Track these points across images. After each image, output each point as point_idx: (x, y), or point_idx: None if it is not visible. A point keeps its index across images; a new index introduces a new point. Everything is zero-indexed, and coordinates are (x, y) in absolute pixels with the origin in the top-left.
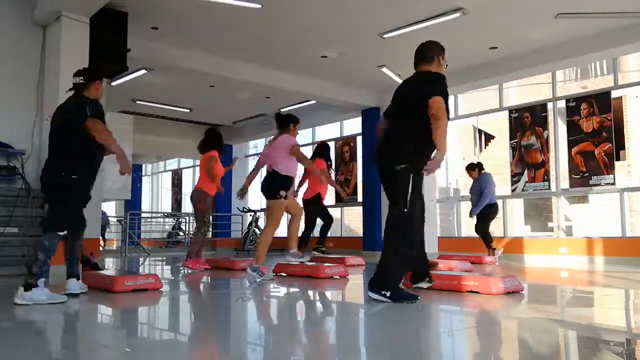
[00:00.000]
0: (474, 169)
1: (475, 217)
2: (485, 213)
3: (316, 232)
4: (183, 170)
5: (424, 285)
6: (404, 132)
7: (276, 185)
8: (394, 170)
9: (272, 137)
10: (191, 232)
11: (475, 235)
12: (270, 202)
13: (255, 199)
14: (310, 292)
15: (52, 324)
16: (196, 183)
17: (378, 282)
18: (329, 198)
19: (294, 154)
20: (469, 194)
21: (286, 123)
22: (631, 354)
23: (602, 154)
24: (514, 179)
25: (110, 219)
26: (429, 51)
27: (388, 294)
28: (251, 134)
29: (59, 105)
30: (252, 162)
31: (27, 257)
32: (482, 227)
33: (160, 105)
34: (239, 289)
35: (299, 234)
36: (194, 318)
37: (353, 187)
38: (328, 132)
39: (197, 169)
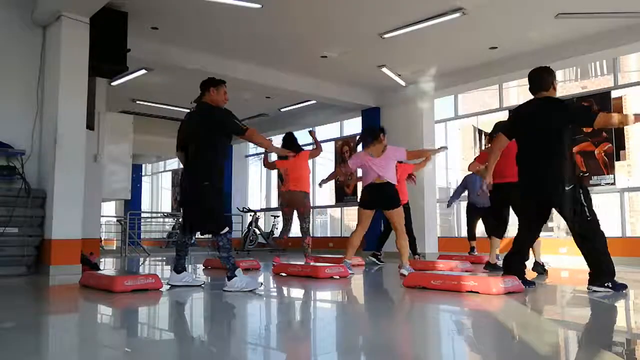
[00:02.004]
0: None
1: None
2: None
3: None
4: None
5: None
6: (561, 154)
7: (397, 194)
8: (565, 192)
9: (363, 147)
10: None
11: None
12: (394, 211)
13: (256, 199)
14: (310, 292)
15: (52, 324)
16: (297, 184)
17: (599, 277)
18: (329, 198)
19: (411, 157)
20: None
21: (377, 135)
22: (631, 354)
23: (602, 154)
24: None
25: (110, 219)
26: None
27: (610, 284)
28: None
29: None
30: (252, 162)
31: (27, 257)
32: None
33: (160, 105)
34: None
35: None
36: (194, 318)
37: (353, 187)
38: (328, 132)
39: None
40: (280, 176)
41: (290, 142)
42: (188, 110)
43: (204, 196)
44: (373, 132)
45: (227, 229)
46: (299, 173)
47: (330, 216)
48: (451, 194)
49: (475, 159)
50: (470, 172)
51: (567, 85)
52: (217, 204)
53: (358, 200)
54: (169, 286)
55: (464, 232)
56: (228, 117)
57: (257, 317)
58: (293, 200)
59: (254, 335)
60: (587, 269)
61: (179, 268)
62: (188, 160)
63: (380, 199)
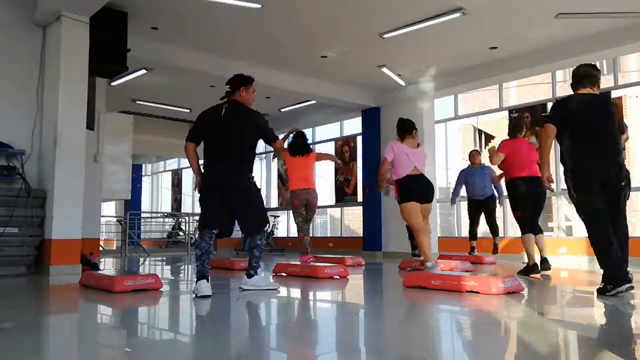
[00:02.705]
0: (480, 154)
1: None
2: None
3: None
4: (183, 170)
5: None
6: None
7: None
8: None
9: (403, 140)
10: (191, 232)
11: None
12: (430, 205)
13: None
14: (310, 292)
15: (52, 324)
16: (308, 183)
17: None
18: (329, 198)
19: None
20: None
21: (412, 129)
22: (631, 354)
23: None
24: None
25: (110, 219)
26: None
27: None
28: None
29: (227, 108)
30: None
31: (27, 257)
32: (494, 214)
33: (160, 105)
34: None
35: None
36: (194, 318)
37: (353, 187)
38: (328, 132)
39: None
40: (280, 176)
41: (302, 141)
42: (188, 110)
43: (255, 195)
44: (411, 125)
45: (267, 225)
46: (306, 172)
47: (330, 216)
48: (453, 192)
49: (498, 148)
50: (467, 166)
51: (567, 85)
52: (263, 202)
53: (358, 200)
54: (242, 289)
55: (464, 232)
56: (266, 124)
57: (257, 316)
58: (312, 198)
59: (254, 335)
60: (586, 268)
61: (251, 272)
62: (221, 158)
63: (429, 191)
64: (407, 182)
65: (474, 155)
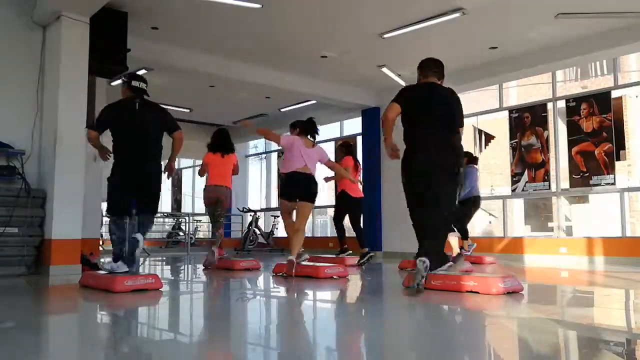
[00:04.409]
0: (466, 156)
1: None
2: (469, 203)
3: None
4: (183, 170)
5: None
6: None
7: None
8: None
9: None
10: (191, 232)
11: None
12: (305, 204)
13: (256, 199)
14: (310, 292)
15: (52, 324)
16: (223, 181)
17: None
18: (329, 198)
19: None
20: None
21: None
22: (631, 354)
23: (602, 154)
24: (514, 179)
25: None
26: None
27: None
28: (251, 134)
29: (136, 104)
30: (252, 162)
31: (27, 257)
32: (464, 215)
33: (160, 105)
34: (239, 289)
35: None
36: (194, 318)
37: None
38: (328, 132)
39: (198, 168)
40: (280, 177)
41: (224, 140)
42: (188, 110)
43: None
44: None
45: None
46: (224, 170)
47: (330, 216)
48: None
49: None
50: (470, 165)
51: (567, 85)
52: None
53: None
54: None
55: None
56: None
57: (257, 316)
58: (222, 195)
59: (253, 335)
60: (586, 269)
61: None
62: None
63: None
64: (288, 178)
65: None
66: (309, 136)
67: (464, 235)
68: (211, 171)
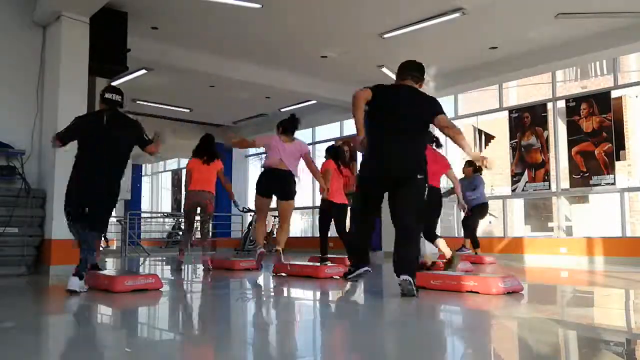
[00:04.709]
0: (472, 166)
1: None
2: (477, 211)
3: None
4: (183, 171)
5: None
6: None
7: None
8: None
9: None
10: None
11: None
12: (284, 202)
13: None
14: (310, 292)
15: (52, 324)
16: (206, 186)
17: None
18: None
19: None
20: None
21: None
22: (631, 354)
23: (602, 154)
24: (514, 179)
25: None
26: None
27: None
28: (251, 134)
29: (104, 117)
30: (251, 162)
31: (27, 257)
32: (473, 223)
33: (160, 105)
34: (239, 289)
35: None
36: (194, 318)
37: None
38: (328, 132)
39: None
40: None
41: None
42: (188, 110)
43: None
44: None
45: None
46: (207, 175)
47: None
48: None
49: None
50: (477, 174)
51: (567, 85)
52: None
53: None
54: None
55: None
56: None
57: (258, 317)
58: (203, 200)
59: (254, 335)
60: (586, 269)
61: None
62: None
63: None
64: (263, 174)
65: (465, 166)
66: (289, 132)
67: (476, 243)
68: (194, 176)
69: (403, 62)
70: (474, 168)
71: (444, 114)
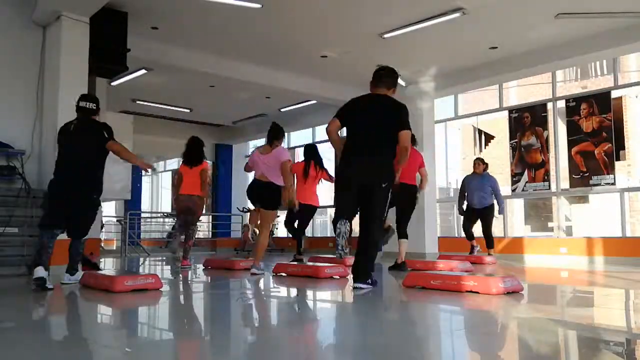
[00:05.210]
0: (484, 163)
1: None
2: (488, 211)
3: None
4: None
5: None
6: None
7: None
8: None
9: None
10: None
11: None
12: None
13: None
14: (310, 292)
15: (52, 324)
16: (193, 190)
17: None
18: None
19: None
20: (460, 189)
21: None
22: (631, 354)
23: (602, 154)
24: (514, 179)
25: (110, 219)
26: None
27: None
28: (251, 134)
29: (72, 125)
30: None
31: (27, 257)
32: (491, 225)
33: (160, 105)
34: (239, 289)
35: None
36: (194, 318)
37: None
38: None
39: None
40: None
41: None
42: (188, 110)
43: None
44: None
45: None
46: (194, 179)
47: (330, 216)
48: (458, 201)
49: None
50: (471, 173)
51: (567, 85)
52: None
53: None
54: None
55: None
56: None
57: (258, 316)
58: (191, 204)
59: (254, 334)
60: (586, 269)
61: (72, 271)
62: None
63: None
64: (248, 186)
65: (476, 163)
66: (268, 142)
67: (490, 243)
68: (184, 181)
69: (376, 68)
70: (485, 166)
71: (409, 129)
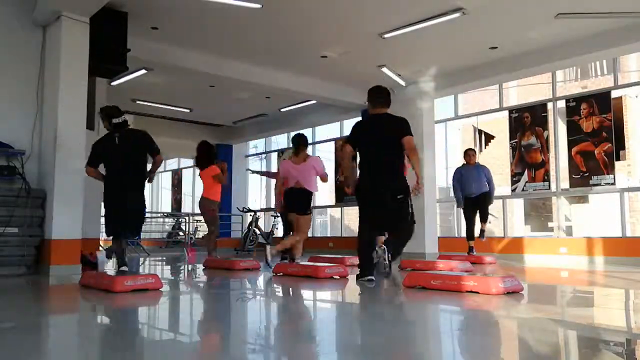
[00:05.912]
0: (475, 154)
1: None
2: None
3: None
4: (183, 170)
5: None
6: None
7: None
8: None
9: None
10: (191, 232)
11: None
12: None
13: (256, 199)
14: (310, 292)
15: (52, 324)
16: (204, 193)
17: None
18: (329, 198)
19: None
20: (456, 182)
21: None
22: (631, 354)
23: (602, 154)
24: (514, 179)
25: None
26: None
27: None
28: (251, 134)
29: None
30: (252, 162)
31: (27, 257)
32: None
33: (160, 105)
34: (239, 289)
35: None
36: (194, 318)
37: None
38: (328, 132)
39: (197, 169)
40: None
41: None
42: (188, 110)
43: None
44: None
45: None
46: (205, 181)
47: (330, 216)
48: (454, 194)
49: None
50: (462, 164)
51: (567, 85)
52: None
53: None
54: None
55: (464, 232)
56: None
57: (258, 316)
58: (200, 206)
59: (254, 334)
60: (586, 269)
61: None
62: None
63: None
64: (285, 194)
65: (469, 154)
66: (298, 152)
67: (485, 217)
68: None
69: (370, 89)
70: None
71: (411, 135)
